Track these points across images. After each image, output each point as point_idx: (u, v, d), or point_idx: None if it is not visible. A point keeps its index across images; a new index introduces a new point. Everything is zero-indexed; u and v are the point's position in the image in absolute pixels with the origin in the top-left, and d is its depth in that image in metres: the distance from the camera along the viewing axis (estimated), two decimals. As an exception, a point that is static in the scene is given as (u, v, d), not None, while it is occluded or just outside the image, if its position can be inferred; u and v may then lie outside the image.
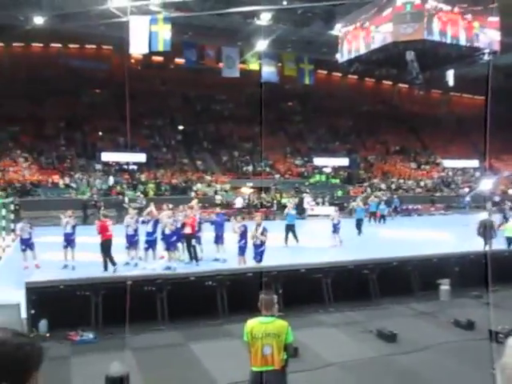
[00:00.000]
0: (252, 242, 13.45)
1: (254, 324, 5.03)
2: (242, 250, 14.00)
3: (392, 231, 24.08)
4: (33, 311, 8.66)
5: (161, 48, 25.51)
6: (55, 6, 26.89)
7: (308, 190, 36.30)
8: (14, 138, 35.64)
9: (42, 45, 40.79)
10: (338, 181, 40.89)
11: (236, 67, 31.59)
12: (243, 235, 13.99)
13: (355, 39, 23.48)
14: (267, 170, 39.73)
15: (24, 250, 14.36)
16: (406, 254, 12.82)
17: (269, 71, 31.56)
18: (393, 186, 40.40)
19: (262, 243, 13.25)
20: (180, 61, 33.09)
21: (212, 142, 41.71)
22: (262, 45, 31.02)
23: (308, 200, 32.41)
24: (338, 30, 26.00)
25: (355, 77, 48.29)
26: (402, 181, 42.12)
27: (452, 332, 8.97)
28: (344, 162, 42.85)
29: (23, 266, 14.13)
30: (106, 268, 13.77)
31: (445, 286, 11.05)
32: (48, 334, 8.53)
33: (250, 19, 28.71)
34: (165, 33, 24.92)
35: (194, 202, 17.55)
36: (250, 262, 13.52)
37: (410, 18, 20.53)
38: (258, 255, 13.22)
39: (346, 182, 40.89)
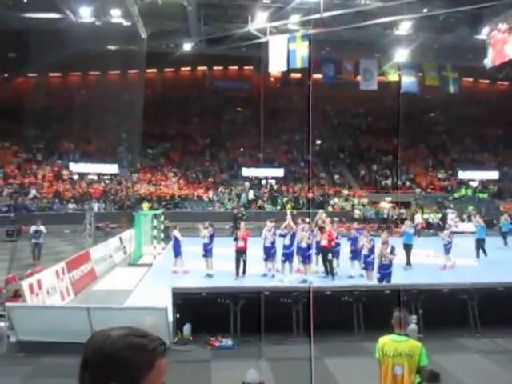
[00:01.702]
0: (378, 261, 12.61)
1: (385, 341, 4.89)
2: (369, 265, 13.56)
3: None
4: (178, 315, 9.30)
5: (299, 65, 25.98)
6: (201, 33, 28.97)
7: (452, 206, 34.12)
8: (165, 154, 38.85)
9: (189, 68, 44.17)
10: (486, 195, 37.82)
11: (374, 79, 30.98)
12: (371, 250, 13.59)
13: (506, 42, 21.72)
14: (407, 183, 38.21)
15: (176, 256, 15.61)
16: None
17: (409, 82, 30.43)
18: (552, 202, 36.28)
19: (391, 263, 12.36)
20: (318, 76, 33.39)
21: (349, 155, 41.34)
22: (401, 55, 30.12)
23: (452, 216, 30.44)
24: (486, 33, 24.29)
25: (505, 83, 44.62)
26: None
27: None
28: (493, 175, 39.53)
29: (172, 271, 15.33)
30: (237, 274, 14.63)
31: None
32: (191, 338, 9.11)
33: (388, 30, 28.08)
34: (302, 50, 25.37)
35: (323, 215, 17.42)
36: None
37: None
38: (387, 276, 12.28)
39: (496, 197, 37.64)
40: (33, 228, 18.26)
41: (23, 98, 35.77)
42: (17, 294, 10.18)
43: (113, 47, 36.02)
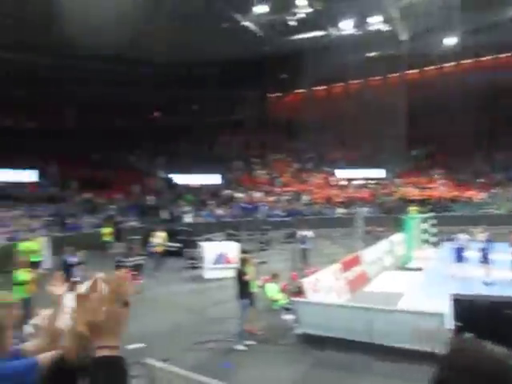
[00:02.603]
0: None
1: None
2: None
3: None
4: (457, 323, 8.81)
5: None
6: (465, 24, 27.20)
7: None
8: (430, 156, 37.48)
9: (453, 64, 41.61)
10: None
11: None
12: None
13: None
14: None
15: (458, 261, 14.90)
16: None
17: None
18: None
19: None
20: None
21: None
22: None
23: None
24: None
25: None
26: None
27: None
28: None
29: (449, 276, 14.58)
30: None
31: None
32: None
33: None
34: None
35: None
36: None
37: None
38: None
39: None
40: (299, 233, 19.08)
41: (293, 114, 39.35)
42: (300, 291, 11.20)
43: (372, 54, 36.73)
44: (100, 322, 1.29)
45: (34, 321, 5.32)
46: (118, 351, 1.28)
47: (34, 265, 13.35)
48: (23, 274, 10.60)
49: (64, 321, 3.18)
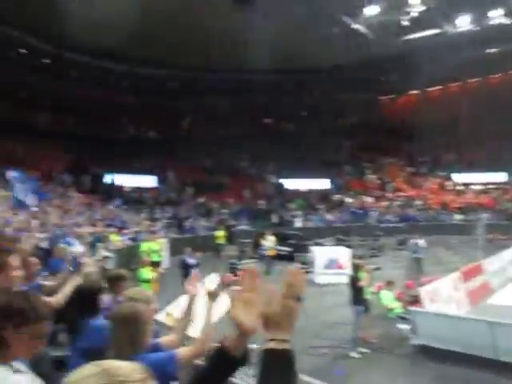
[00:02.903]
0: None
1: None
2: None
3: None
4: None
5: None
6: None
7: None
8: None
9: None
10: None
11: None
12: None
13: None
14: None
15: None
16: None
17: None
18: None
19: None
20: None
21: None
22: None
23: None
24: None
25: None
26: None
27: None
28: None
29: None
30: None
31: None
32: None
33: None
34: None
35: None
36: None
37: None
38: None
39: None
40: (411, 242, 18.03)
41: (406, 116, 38.04)
42: (415, 300, 10.80)
43: (492, 50, 34.62)
44: (274, 314, 1.32)
45: (159, 317, 5.70)
46: (287, 345, 1.29)
47: (155, 264, 14.17)
48: (146, 273, 11.34)
49: (196, 317, 3.40)
